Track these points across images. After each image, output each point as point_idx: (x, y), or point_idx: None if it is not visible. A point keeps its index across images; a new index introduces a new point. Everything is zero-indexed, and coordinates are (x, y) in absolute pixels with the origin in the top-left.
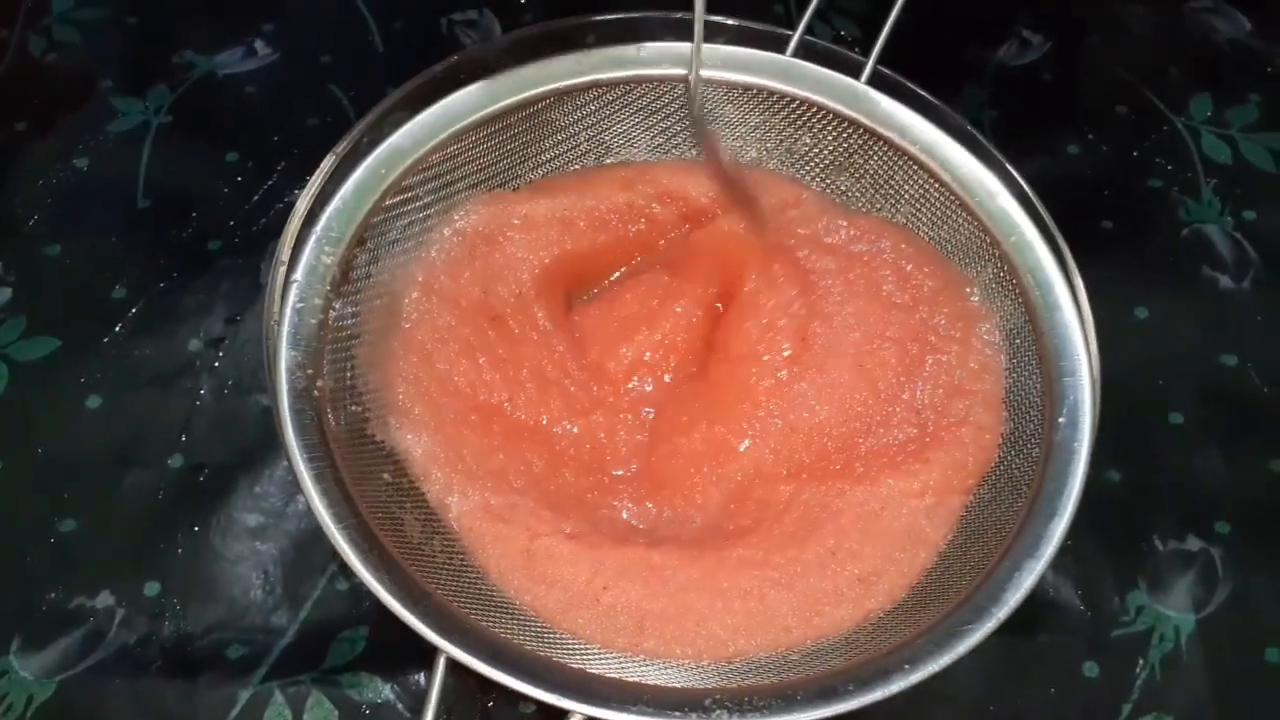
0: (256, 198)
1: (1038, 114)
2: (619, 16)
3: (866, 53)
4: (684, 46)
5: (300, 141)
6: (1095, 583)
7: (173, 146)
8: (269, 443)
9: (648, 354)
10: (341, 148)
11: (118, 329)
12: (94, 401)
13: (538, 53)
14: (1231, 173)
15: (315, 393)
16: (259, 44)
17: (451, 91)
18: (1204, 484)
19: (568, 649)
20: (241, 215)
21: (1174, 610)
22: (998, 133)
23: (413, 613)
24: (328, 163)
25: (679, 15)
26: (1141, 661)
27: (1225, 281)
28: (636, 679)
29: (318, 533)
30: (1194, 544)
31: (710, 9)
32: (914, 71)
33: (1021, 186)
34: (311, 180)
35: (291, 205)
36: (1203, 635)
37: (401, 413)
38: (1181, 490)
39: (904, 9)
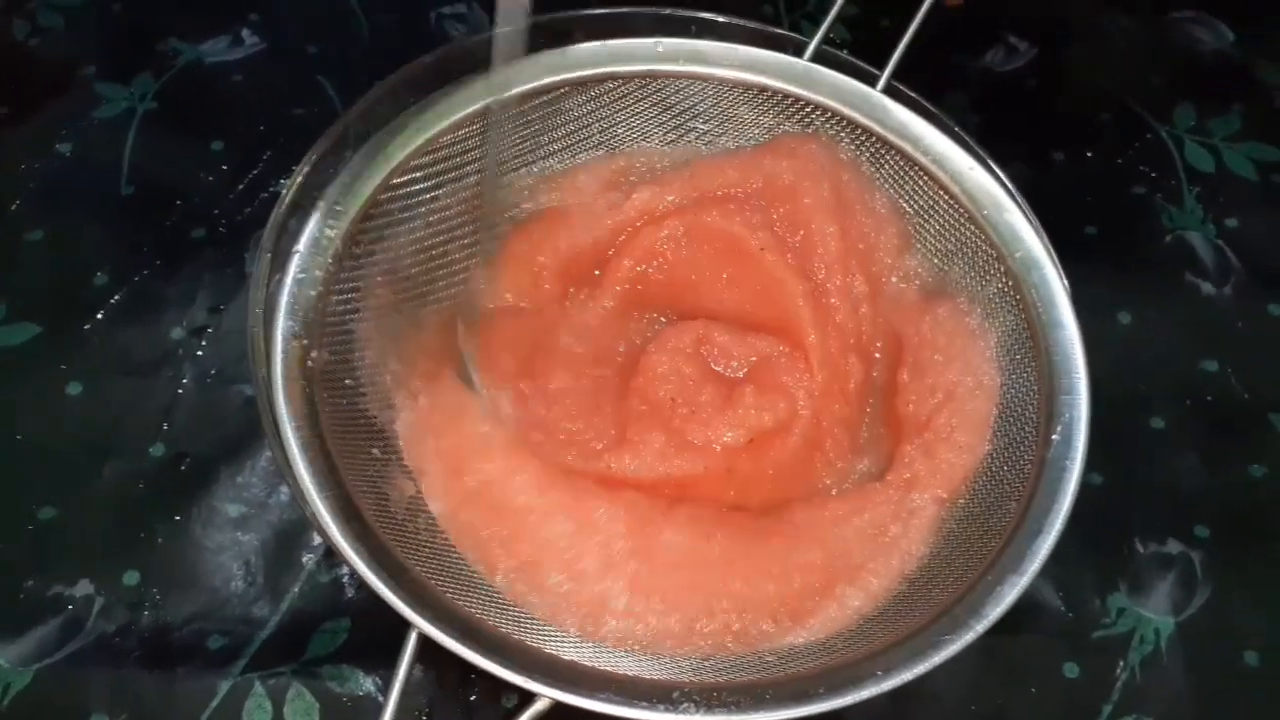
0: (241, 187)
1: (1022, 120)
2: (607, 11)
3: (856, 55)
4: (705, 44)
5: (286, 131)
6: (1076, 584)
7: (157, 134)
8: (252, 432)
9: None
10: (326, 140)
11: (99, 316)
12: (74, 389)
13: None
14: (1214, 181)
15: (309, 363)
16: (245, 33)
17: (438, 84)
18: (1184, 488)
19: (544, 634)
20: (226, 204)
21: (1154, 612)
22: (982, 138)
23: (386, 585)
24: (312, 154)
25: (668, 11)
26: (1122, 663)
27: (1207, 288)
28: (609, 668)
29: (300, 524)
30: (1174, 547)
31: (701, 7)
32: (900, 75)
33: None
34: (296, 171)
35: (276, 195)
36: (1182, 637)
37: (395, 390)
38: (1162, 494)
39: (889, 13)
